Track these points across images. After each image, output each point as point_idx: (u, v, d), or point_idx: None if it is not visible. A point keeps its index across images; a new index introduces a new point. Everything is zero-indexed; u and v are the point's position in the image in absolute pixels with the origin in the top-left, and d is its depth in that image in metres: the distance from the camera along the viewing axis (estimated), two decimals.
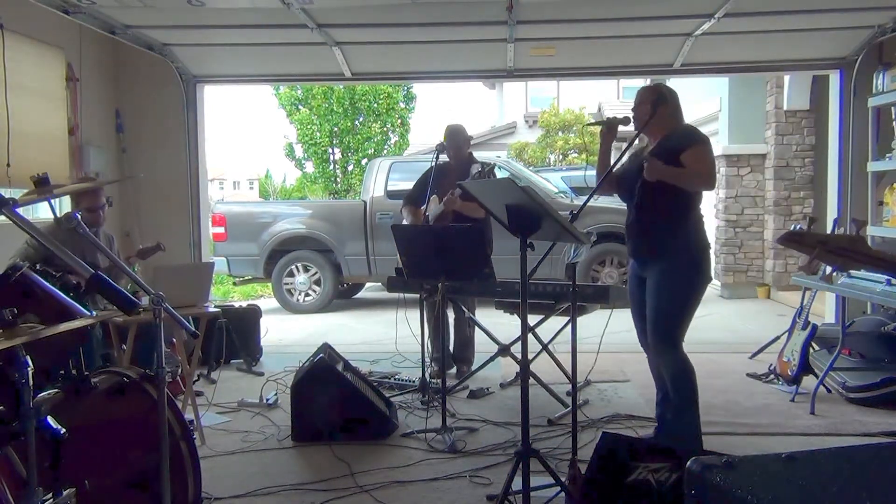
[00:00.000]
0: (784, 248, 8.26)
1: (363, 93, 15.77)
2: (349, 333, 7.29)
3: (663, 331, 3.31)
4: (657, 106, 3.33)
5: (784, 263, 8.91)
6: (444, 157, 4.91)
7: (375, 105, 16.17)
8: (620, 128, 3.47)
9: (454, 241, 3.79)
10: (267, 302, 9.32)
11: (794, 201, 9.01)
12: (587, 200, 4.14)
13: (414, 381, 4.77)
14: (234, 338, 5.47)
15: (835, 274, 4.26)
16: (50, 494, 1.95)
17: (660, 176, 3.17)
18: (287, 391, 4.17)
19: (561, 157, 17.63)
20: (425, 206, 4.84)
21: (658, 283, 3.30)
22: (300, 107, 16.11)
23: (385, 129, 16.42)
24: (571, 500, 2.77)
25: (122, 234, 6.19)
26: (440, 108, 36.39)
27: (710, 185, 3.31)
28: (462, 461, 3.52)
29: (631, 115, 3.44)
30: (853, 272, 4.05)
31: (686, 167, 3.21)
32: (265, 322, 6.24)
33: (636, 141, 3.60)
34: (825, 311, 6.14)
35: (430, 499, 3.11)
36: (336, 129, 15.97)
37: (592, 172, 3.75)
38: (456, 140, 4.93)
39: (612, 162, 3.49)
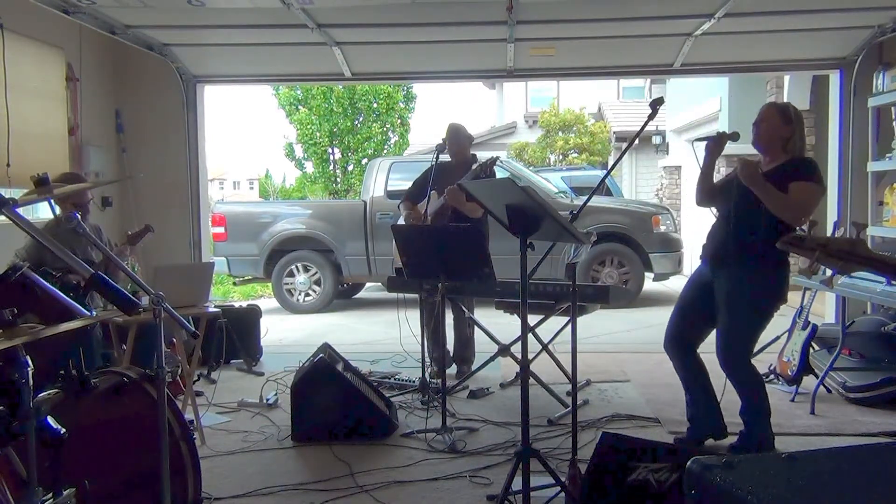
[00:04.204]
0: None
1: (363, 93, 15.78)
2: (349, 333, 7.29)
3: (738, 345, 3.28)
4: (783, 127, 3.26)
5: None
6: (444, 157, 4.91)
7: (375, 105, 16.18)
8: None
9: (454, 241, 3.79)
10: (267, 302, 9.32)
11: None
12: (587, 200, 4.17)
13: (414, 381, 4.77)
14: (234, 338, 5.47)
15: (835, 277, 4.26)
16: (50, 494, 1.95)
17: (752, 183, 3.09)
18: (287, 391, 4.17)
19: (561, 157, 17.63)
20: (425, 202, 4.82)
21: (736, 296, 3.23)
22: (300, 107, 16.11)
23: (385, 129, 16.42)
24: (571, 500, 2.77)
25: (123, 234, 6.18)
26: (440, 108, 36.46)
27: (797, 219, 3.16)
28: (462, 461, 3.52)
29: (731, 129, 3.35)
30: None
31: (788, 193, 3.12)
32: (265, 322, 6.24)
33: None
34: (825, 311, 6.14)
35: (430, 499, 3.11)
36: (336, 129, 15.97)
37: (596, 172, 3.75)
38: (458, 138, 4.92)
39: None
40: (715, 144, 3.41)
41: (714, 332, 3.40)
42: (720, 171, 8.15)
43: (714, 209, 3.49)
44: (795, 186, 3.14)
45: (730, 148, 3.59)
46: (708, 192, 3.48)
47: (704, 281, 3.41)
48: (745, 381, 3.32)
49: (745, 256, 3.20)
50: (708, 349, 3.51)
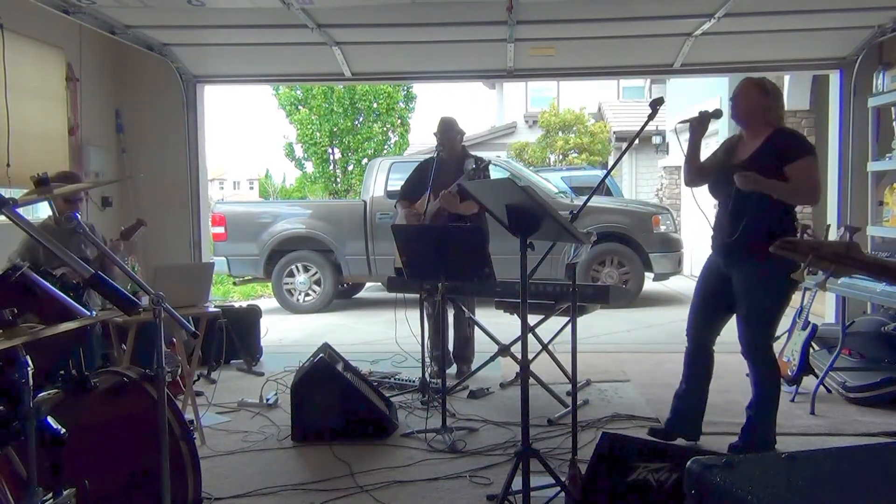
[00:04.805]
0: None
1: (363, 93, 15.77)
2: (349, 333, 7.29)
3: (760, 331, 3.30)
4: (761, 99, 3.27)
5: None
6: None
7: (375, 105, 16.17)
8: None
9: (454, 241, 3.79)
10: (267, 302, 9.32)
11: None
12: (587, 200, 4.16)
13: (414, 381, 4.77)
14: (234, 338, 5.47)
15: (827, 280, 4.25)
16: (50, 494, 1.95)
17: (756, 188, 3.08)
18: (287, 391, 4.17)
19: (561, 157, 17.63)
20: (426, 202, 4.80)
21: (753, 284, 3.25)
22: (300, 107, 16.10)
23: (385, 129, 16.42)
24: (571, 500, 2.76)
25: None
26: (440, 108, 36.44)
27: (814, 199, 3.20)
28: (462, 461, 3.52)
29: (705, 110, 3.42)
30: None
31: (790, 179, 3.12)
32: (265, 322, 6.24)
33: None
34: (825, 311, 6.14)
35: (430, 499, 3.11)
36: (336, 129, 15.96)
37: (596, 172, 3.74)
38: (449, 133, 4.90)
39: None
40: (698, 123, 3.43)
41: (731, 326, 3.42)
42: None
43: (713, 201, 3.49)
44: (794, 169, 3.15)
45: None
46: (696, 172, 3.50)
47: (719, 272, 3.42)
48: (764, 371, 3.33)
49: (756, 249, 3.19)
50: (730, 348, 3.51)
